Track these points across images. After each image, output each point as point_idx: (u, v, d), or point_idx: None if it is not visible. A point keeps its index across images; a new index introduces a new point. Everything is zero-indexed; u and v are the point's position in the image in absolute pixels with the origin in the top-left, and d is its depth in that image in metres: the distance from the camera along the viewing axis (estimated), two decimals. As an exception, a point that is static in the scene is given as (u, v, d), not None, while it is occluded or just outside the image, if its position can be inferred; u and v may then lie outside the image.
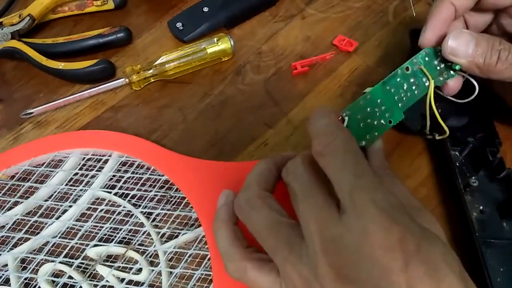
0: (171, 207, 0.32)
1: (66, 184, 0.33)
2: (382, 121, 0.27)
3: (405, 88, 0.28)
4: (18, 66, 0.42)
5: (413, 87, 0.29)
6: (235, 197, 0.26)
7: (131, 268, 0.30)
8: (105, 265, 0.30)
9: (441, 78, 0.30)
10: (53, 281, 0.29)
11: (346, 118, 0.26)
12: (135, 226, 0.31)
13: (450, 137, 0.32)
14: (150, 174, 0.33)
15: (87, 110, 0.39)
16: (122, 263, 0.30)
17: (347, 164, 0.21)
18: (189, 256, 0.29)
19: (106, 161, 0.34)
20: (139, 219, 0.31)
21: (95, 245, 0.31)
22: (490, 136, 0.33)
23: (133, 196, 0.32)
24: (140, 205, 0.32)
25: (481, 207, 0.30)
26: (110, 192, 0.32)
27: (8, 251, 0.31)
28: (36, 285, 0.29)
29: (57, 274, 0.30)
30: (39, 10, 0.42)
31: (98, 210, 0.32)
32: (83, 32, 0.42)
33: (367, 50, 0.40)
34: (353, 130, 0.26)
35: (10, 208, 0.33)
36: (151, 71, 0.39)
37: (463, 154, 0.32)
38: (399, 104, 0.28)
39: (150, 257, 0.30)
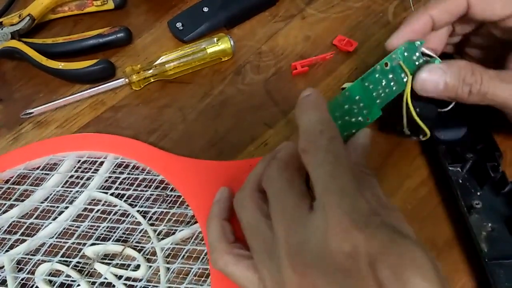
0: (167, 205, 0.32)
1: (62, 186, 0.33)
2: (360, 118, 0.27)
3: (383, 84, 0.28)
4: (18, 66, 0.42)
5: (392, 83, 0.28)
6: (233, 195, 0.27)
7: (129, 265, 0.30)
8: (103, 263, 0.30)
9: None
10: (50, 281, 0.29)
11: None
12: (132, 225, 0.31)
13: (449, 152, 0.31)
14: (145, 175, 0.33)
15: (87, 110, 0.39)
16: (120, 260, 0.30)
17: (326, 164, 0.21)
18: (186, 252, 0.30)
19: (101, 163, 0.34)
20: (136, 218, 0.31)
21: (93, 244, 0.30)
22: (490, 148, 0.31)
23: (129, 196, 0.32)
24: (136, 205, 0.32)
25: (489, 224, 0.29)
26: (106, 193, 0.32)
27: (4, 253, 0.31)
28: (33, 285, 0.29)
29: (54, 274, 0.30)
30: (39, 10, 0.42)
31: (95, 210, 0.32)
32: (83, 32, 0.42)
33: (367, 50, 0.40)
34: None
35: (5, 211, 0.32)
36: (151, 71, 0.38)
37: (464, 170, 0.31)
38: (377, 101, 0.28)
39: (147, 254, 0.30)
